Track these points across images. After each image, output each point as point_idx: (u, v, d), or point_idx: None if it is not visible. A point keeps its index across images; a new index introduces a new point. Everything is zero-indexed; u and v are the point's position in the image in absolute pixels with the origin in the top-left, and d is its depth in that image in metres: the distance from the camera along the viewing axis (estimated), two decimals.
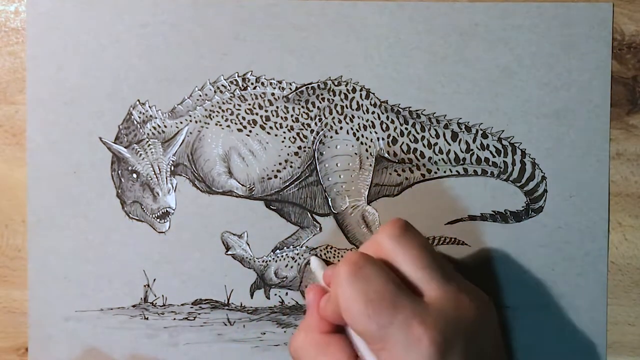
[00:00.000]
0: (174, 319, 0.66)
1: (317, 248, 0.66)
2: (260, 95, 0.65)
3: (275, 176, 0.66)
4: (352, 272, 0.51)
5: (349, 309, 0.50)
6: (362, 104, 0.65)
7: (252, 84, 0.65)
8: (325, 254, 0.66)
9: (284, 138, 0.65)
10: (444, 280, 0.52)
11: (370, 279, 0.50)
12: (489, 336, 0.54)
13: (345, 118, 0.65)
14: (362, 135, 0.65)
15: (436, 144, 0.65)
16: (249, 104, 0.65)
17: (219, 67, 0.65)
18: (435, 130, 0.65)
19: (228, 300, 0.66)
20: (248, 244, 0.66)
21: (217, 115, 0.65)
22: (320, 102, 0.65)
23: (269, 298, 0.66)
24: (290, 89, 0.65)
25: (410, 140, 0.65)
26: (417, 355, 0.48)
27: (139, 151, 0.66)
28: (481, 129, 0.64)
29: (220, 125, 0.66)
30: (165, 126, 0.66)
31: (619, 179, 0.64)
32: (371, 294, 0.50)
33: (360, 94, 0.65)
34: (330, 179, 0.65)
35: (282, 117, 0.65)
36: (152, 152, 0.66)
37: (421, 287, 0.52)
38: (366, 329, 0.50)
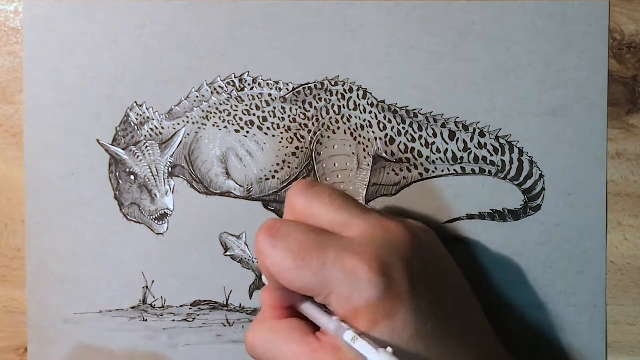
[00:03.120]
0: (173, 320, 0.66)
1: None
2: (258, 96, 0.65)
3: (273, 177, 0.66)
4: (270, 235, 0.51)
5: (279, 270, 0.50)
6: (359, 104, 0.65)
7: (249, 84, 0.65)
8: None
9: (282, 139, 0.65)
10: (364, 214, 0.52)
11: (289, 234, 0.50)
12: (435, 258, 0.54)
13: (342, 118, 0.65)
14: (360, 135, 0.65)
15: (434, 143, 0.65)
16: (246, 105, 0.65)
17: (215, 68, 0.65)
18: (433, 129, 0.65)
19: (227, 301, 0.66)
20: (247, 245, 0.66)
21: (214, 117, 0.66)
22: (318, 103, 0.65)
23: None
24: (287, 89, 0.65)
25: (408, 140, 0.65)
26: (361, 286, 0.48)
27: (136, 153, 0.66)
28: (478, 128, 0.64)
29: (218, 126, 0.66)
30: (162, 128, 0.66)
31: (619, 178, 0.64)
32: (295, 247, 0.50)
33: (358, 94, 0.65)
34: (328, 179, 0.65)
35: (279, 118, 0.65)
36: (149, 153, 0.66)
37: (343, 228, 0.52)
38: (303, 282, 0.49)
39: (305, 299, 0.53)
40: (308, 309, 0.54)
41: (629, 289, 0.64)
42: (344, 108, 0.65)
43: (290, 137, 0.65)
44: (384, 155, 0.65)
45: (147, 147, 0.66)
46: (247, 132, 0.65)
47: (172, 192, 0.66)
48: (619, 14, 0.64)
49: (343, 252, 0.49)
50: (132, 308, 0.67)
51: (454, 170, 0.65)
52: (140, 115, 0.66)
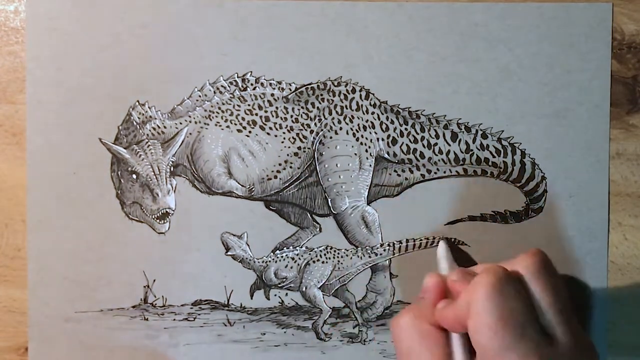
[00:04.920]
0: (174, 319, 0.66)
1: (318, 248, 0.66)
2: (260, 96, 0.65)
3: (275, 177, 0.66)
4: (494, 285, 0.51)
5: (479, 318, 0.50)
6: (361, 105, 0.65)
7: (251, 84, 0.65)
8: (325, 254, 0.66)
9: (284, 139, 0.65)
10: (573, 331, 0.52)
11: (509, 297, 0.50)
12: None
13: (344, 118, 0.65)
14: (362, 136, 0.65)
15: (436, 144, 0.65)
16: (249, 105, 0.65)
17: (218, 67, 0.65)
18: (435, 130, 0.65)
19: (228, 300, 0.66)
20: (248, 245, 0.66)
21: (216, 116, 0.65)
22: (320, 103, 0.65)
23: (268, 299, 0.66)
24: (290, 89, 0.65)
25: (410, 141, 0.65)
26: None
27: (138, 152, 0.66)
28: (481, 129, 0.64)
29: (220, 125, 0.66)
30: (164, 127, 0.66)
31: (619, 178, 0.64)
32: (506, 312, 0.50)
33: (360, 95, 0.65)
34: (330, 179, 0.65)
35: (281, 118, 0.65)
36: (151, 152, 0.66)
37: (547, 327, 0.51)
38: (488, 344, 0.50)
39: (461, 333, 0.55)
40: (455, 342, 0.55)
41: (629, 289, 0.65)
42: (347, 108, 0.65)
43: (293, 137, 0.65)
44: (386, 156, 0.65)
45: (149, 146, 0.66)
46: (250, 131, 0.65)
47: (174, 192, 0.66)
48: (619, 14, 0.64)
49: (536, 352, 0.49)
50: (133, 307, 0.67)
51: (456, 171, 0.65)
52: (143, 114, 0.65)
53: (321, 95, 0.65)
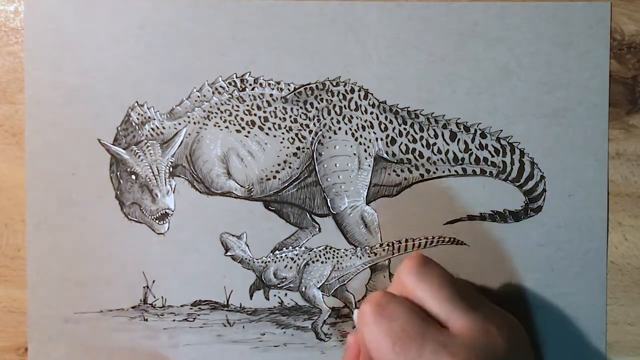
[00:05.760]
0: (174, 320, 0.66)
1: (317, 248, 0.66)
2: (259, 96, 0.65)
3: (274, 177, 0.66)
4: (377, 311, 0.51)
5: (376, 347, 0.51)
6: (360, 105, 0.65)
7: (250, 84, 0.65)
8: (324, 254, 0.66)
9: (283, 139, 0.65)
10: (469, 310, 0.52)
11: (394, 316, 0.51)
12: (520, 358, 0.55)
13: (343, 118, 0.65)
14: (361, 136, 0.65)
15: (435, 144, 0.65)
16: (248, 105, 0.65)
17: (217, 68, 0.65)
18: (434, 130, 0.65)
19: (227, 301, 0.66)
20: (247, 245, 0.66)
21: (215, 117, 0.65)
22: (319, 103, 0.65)
23: (268, 299, 0.66)
24: (289, 89, 0.65)
25: (409, 141, 0.65)
26: None
27: (137, 153, 0.66)
28: (480, 129, 0.64)
29: (219, 126, 0.66)
30: (163, 127, 0.66)
31: (619, 178, 0.64)
32: (397, 331, 0.50)
33: (359, 95, 0.65)
34: (329, 179, 0.65)
35: (280, 118, 0.65)
36: (150, 153, 0.66)
37: (446, 320, 0.52)
38: None
39: None
40: None
41: (629, 289, 0.65)
42: (345, 108, 0.65)
43: (292, 138, 0.65)
44: (385, 155, 0.65)
45: (148, 146, 0.66)
46: (248, 132, 0.65)
47: (173, 192, 0.66)
48: (619, 14, 0.64)
49: (440, 348, 0.49)
50: (133, 308, 0.67)
51: (455, 171, 0.65)
52: (142, 114, 0.66)
53: (320, 95, 0.65)
